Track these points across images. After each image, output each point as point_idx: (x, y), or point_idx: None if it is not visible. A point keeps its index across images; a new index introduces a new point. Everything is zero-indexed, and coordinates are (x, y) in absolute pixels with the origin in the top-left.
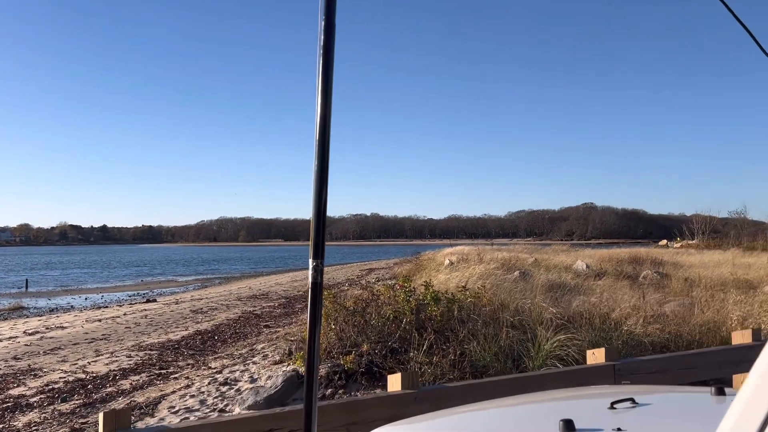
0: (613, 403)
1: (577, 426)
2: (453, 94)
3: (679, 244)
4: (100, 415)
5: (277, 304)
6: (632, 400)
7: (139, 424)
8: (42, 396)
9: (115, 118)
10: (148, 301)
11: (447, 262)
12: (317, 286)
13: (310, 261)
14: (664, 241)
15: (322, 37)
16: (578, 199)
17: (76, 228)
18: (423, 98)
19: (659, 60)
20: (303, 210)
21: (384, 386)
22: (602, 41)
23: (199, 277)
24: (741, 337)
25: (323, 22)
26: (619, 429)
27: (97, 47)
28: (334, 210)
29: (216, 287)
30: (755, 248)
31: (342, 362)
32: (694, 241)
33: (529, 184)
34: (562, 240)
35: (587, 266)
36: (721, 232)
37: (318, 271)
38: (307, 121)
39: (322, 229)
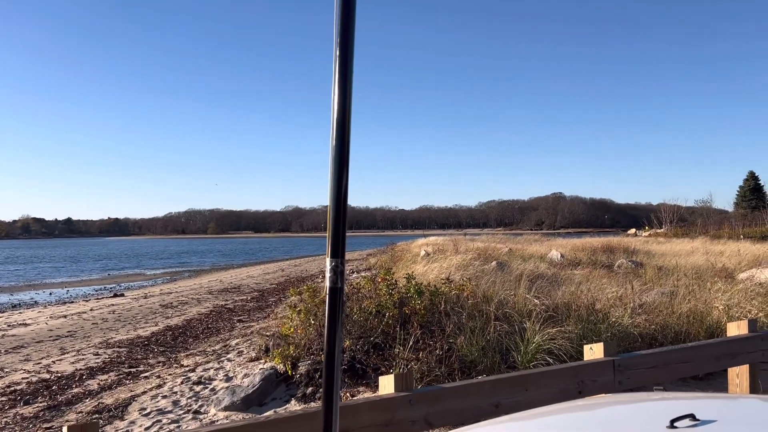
0: (672, 422)
1: None
2: (425, 84)
3: (647, 233)
4: (64, 429)
5: (249, 298)
6: (693, 416)
7: (108, 429)
8: (2, 398)
9: (80, 106)
10: (115, 295)
11: (423, 252)
12: (337, 291)
13: (328, 261)
14: (633, 230)
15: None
16: (547, 189)
17: (40, 221)
18: (395, 89)
19: (630, 45)
20: (272, 202)
21: (367, 384)
22: (575, 24)
23: (168, 270)
24: (736, 329)
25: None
26: None
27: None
28: (304, 201)
29: (186, 280)
30: (722, 236)
31: (320, 358)
32: (662, 230)
33: (499, 175)
34: (532, 230)
35: (561, 256)
36: (687, 220)
37: (337, 273)
38: (282, 110)
39: (343, 225)
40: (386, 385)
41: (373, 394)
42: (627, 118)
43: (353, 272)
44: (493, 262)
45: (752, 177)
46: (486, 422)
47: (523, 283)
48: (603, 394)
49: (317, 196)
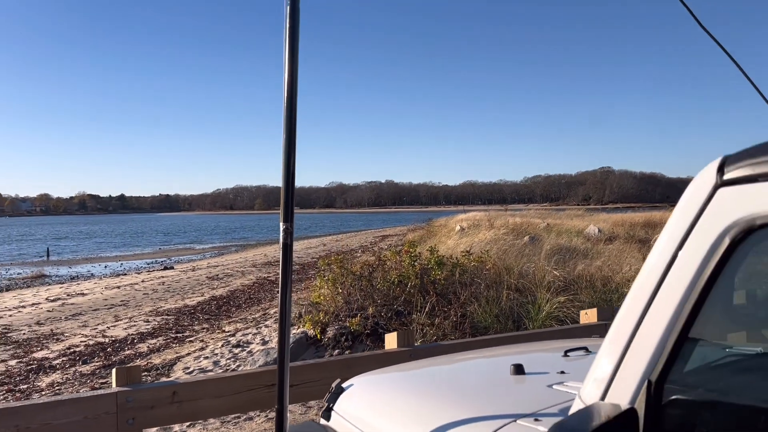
0: (566, 351)
1: (527, 370)
2: (469, 60)
3: None
4: (113, 371)
5: None
6: (585, 349)
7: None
8: (64, 359)
9: (130, 88)
10: (165, 268)
11: (458, 228)
12: (287, 246)
13: (281, 224)
14: None
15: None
16: (596, 164)
17: (95, 198)
18: (439, 64)
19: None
20: (317, 178)
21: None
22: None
23: (216, 245)
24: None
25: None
26: (562, 372)
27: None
28: (348, 177)
29: (232, 254)
30: None
31: (348, 324)
32: None
33: (546, 149)
34: (578, 205)
35: (599, 230)
36: None
37: (288, 233)
38: (318, 87)
39: (291, 195)
40: (390, 341)
41: (380, 350)
42: (678, 88)
43: (391, 247)
44: (526, 237)
45: None
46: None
47: (543, 256)
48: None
49: (361, 172)
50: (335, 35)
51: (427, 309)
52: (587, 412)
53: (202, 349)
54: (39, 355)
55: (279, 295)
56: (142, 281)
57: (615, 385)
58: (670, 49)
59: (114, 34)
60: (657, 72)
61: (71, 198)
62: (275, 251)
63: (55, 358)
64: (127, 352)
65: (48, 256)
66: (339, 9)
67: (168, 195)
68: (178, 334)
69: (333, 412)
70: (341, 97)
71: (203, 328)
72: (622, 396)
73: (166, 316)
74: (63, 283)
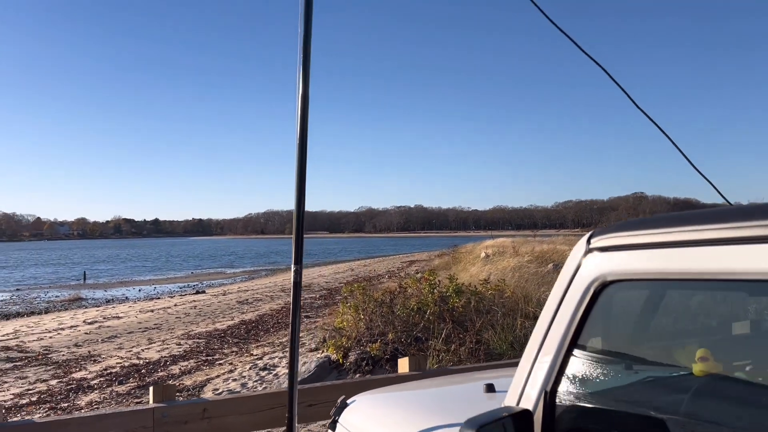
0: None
1: (497, 389)
2: (500, 84)
3: None
4: (151, 388)
5: (318, 296)
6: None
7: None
8: (101, 379)
9: (165, 114)
10: (197, 292)
11: (483, 254)
12: (297, 285)
13: (292, 266)
14: None
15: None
16: (628, 189)
17: (130, 222)
18: (470, 90)
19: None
20: (346, 202)
21: None
22: (646, 21)
23: (247, 269)
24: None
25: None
26: None
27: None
28: (377, 202)
29: (262, 279)
30: None
31: (369, 349)
32: None
33: (577, 174)
34: None
35: None
36: None
37: (298, 273)
38: (347, 111)
39: (301, 242)
40: (403, 365)
41: (393, 374)
42: (709, 109)
43: (418, 272)
44: (549, 265)
45: None
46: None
47: None
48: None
49: (390, 196)
50: (366, 64)
51: (443, 335)
52: (496, 410)
53: (231, 371)
54: (78, 375)
55: (290, 323)
56: (175, 305)
57: (525, 394)
58: (708, 72)
59: (151, 61)
60: (692, 95)
61: (107, 222)
62: (304, 275)
63: (92, 379)
64: (160, 373)
65: (85, 279)
66: (371, 40)
67: (201, 219)
68: (209, 357)
69: (338, 424)
70: (371, 122)
71: (232, 352)
72: (529, 402)
73: (197, 340)
74: (99, 306)
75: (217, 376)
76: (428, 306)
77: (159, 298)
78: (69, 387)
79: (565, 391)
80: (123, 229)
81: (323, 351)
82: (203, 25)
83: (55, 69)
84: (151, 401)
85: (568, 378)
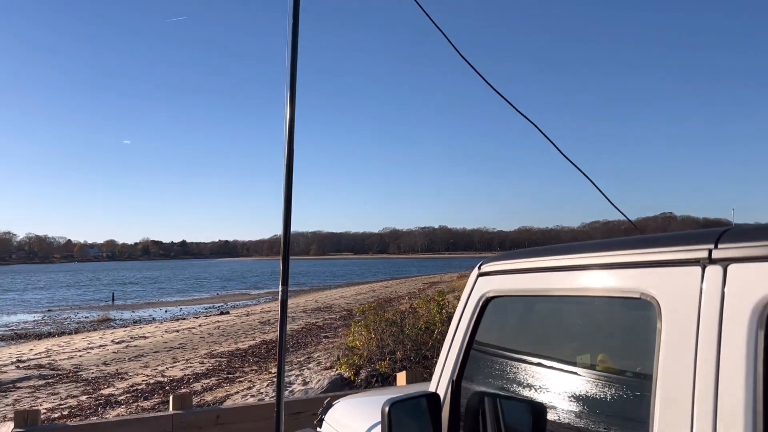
0: None
1: None
2: (525, 105)
3: None
4: (171, 397)
5: (338, 317)
6: None
7: None
8: (128, 395)
9: (193, 138)
10: (221, 313)
11: None
12: (284, 303)
13: (280, 286)
14: None
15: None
16: (656, 209)
17: (158, 243)
18: (494, 112)
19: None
20: (372, 223)
21: None
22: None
23: (271, 291)
24: None
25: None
26: None
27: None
28: (401, 223)
29: None
30: None
31: (378, 367)
32: None
33: (606, 193)
34: None
35: None
36: None
37: (284, 293)
38: (371, 133)
39: (287, 264)
40: (400, 379)
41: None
42: (739, 126)
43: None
44: None
45: None
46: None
47: None
48: None
49: (414, 217)
50: (387, 87)
51: None
52: (414, 393)
53: (249, 388)
54: (106, 391)
55: (278, 336)
56: (199, 325)
57: (440, 382)
58: (729, 97)
59: (183, 86)
60: (721, 117)
61: (135, 244)
62: (326, 297)
63: (120, 395)
64: (183, 390)
65: (113, 300)
66: (399, 61)
67: (227, 241)
68: (229, 375)
69: (324, 422)
70: (393, 145)
71: (252, 370)
72: (441, 388)
73: (219, 359)
74: (127, 326)
75: (236, 392)
76: (436, 325)
77: (184, 318)
78: (98, 402)
79: (466, 380)
80: (151, 251)
81: (336, 369)
82: (235, 52)
83: (86, 93)
84: (170, 409)
85: (468, 370)
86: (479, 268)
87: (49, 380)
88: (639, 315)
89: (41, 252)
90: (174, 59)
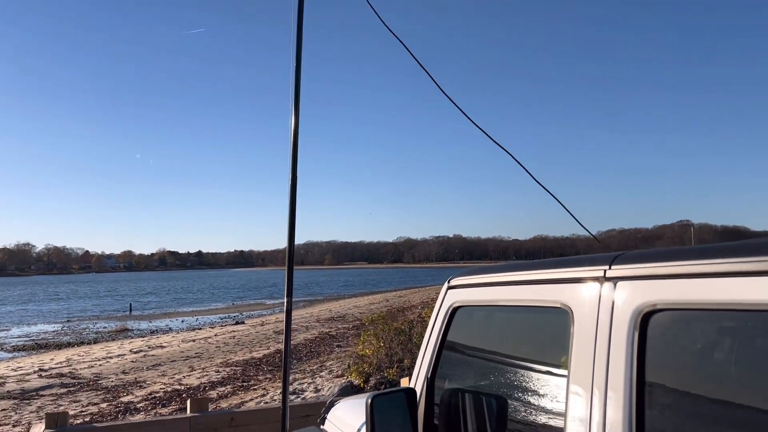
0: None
1: None
2: (539, 116)
3: None
4: (188, 400)
5: (351, 326)
6: None
7: None
8: (146, 402)
9: (207, 147)
10: (237, 323)
11: None
12: (289, 312)
13: (285, 298)
14: None
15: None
16: (673, 217)
17: (174, 254)
18: (512, 120)
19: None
20: (386, 233)
21: None
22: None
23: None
24: None
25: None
26: None
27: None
28: (415, 232)
29: (299, 310)
30: None
31: (386, 374)
32: None
33: (621, 202)
34: None
35: None
36: None
37: (289, 303)
38: (386, 143)
39: (291, 276)
40: (404, 383)
41: None
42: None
43: None
44: None
45: None
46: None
47: None
48: None
49: (428, 227)
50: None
51: None
52: (394, 389)
53: (263, 395)
54: (125, 399)
55: (283, 342)
56: (215, 335)
57: (418, 380)
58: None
59: (198, 96)
60: (743, 119)
61: (152, 255)
62: (340, 307)
63: (138, 402)
64: (200, 397)
65: (131, 311)
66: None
67: (242, 251)
68: (244, 383)
69: (326, 420)
70: (407, 152)
71: (266, 378)
72: (418, 385)
73: (234, 367)
74: (144, 336)
75: (251, 399)
76: None
77: (201, 328)
78: (117, 409)
79: (439, 377)
80: (167, 262)
81: (347, 377)
82: (248, 61)
83: (104, 107)
84: (188, 412)
85: (440, 369)
86: (449, 281)
87: (71, 388)
88: (560, 321)
89: (59, 263)
90: (188, 69)
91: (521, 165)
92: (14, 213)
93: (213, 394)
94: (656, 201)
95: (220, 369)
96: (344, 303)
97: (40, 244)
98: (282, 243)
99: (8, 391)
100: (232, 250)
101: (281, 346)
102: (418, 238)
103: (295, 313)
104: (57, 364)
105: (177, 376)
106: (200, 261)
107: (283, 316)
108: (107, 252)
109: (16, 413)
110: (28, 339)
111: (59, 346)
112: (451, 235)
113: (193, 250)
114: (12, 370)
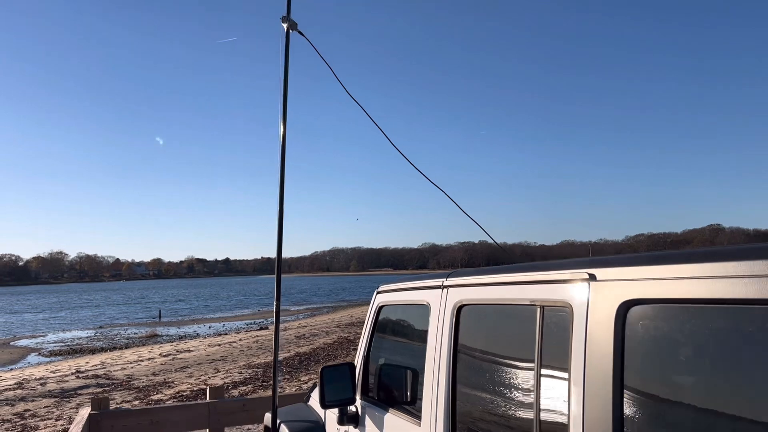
0: None
1: None
2: (566, 118)
3: None
4: (207, 389)
5: None
6: None
7: None
8: (174, 400)
9: (233, 157)
10: (261, 328)
11: None
12: (278, 314)
13: (275, 301)
14: None
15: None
16: (704, 221)
17: (202, 261)
18: (534, 127)
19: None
20: (410, 239)
21: None
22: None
23: (310, 307)
24: None
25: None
26: None
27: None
28: (440, 238)
29: (322, 316)
30: None
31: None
32: None
33: (650, 206)
34: None
35: None
36: None
37: (278, 306)
38: (425, 150)
39: (279, 282)
40: None
41: None
42: None
43: None
44: None
45: None
46: None
47: None
48: None
49: (454, 233)
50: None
51: None
52: (339, 363)
53: (280, 393)
54: (155, 397)
55: (273, 341)
56: (240, 340)
57: (357, 358)
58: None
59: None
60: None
61: (181, 262)
62: (362, 313)
63: (167, 400)
64: (216, 386)
65: (160, 317)
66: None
67: (269, 258)
68: (264, 383)
69: (310, 398)
70: (434, 157)
71: (284, 379)
72: (358, 362)
73: (256, 369)
74: (173, 341)
75: (269, 398)
76: None
77: (226, 333)
78: (148, 405)
79: (370, 358)
80: (196, 269)
81: None
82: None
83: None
84: (207, 398)
85: (372, 351)
86: (377, 290)
87: (106, 388)
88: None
89: (91, 271)
90: (216, 75)
91: (434, 184)
92: (48, 222)
93: (235, 392)
94: (686, 205)
95: (243, 370)
96: (366, 309)
97: (72, 253)
98: (308, 250)
99: (49, 390)
100: (259, 257)
101: (301, 350)
102: (443, 244)
103: (317, 319)
104: (92, 366)
105: (203, 377)
106: (228, 268)
107: (305, 322)
108: (137, 260)
109: (57, 409)
110: (64, 344)
111: (93, 351)
112: (476, 241)
113: (220, 258)
114: (51, 372)
